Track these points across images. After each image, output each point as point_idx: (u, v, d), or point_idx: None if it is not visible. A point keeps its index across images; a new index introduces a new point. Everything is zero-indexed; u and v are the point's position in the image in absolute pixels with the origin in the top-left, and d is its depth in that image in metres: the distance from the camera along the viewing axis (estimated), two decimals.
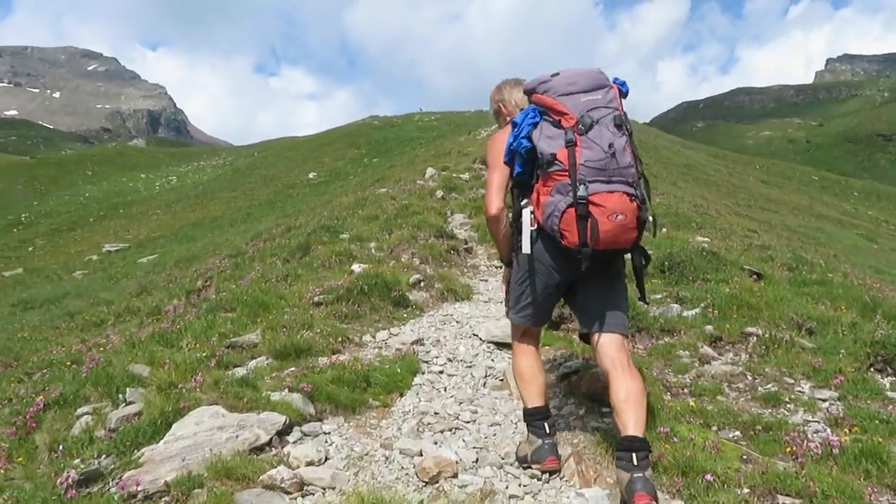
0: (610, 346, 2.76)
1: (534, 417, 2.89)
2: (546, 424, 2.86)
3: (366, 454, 3.05)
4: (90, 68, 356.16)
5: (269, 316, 5.11)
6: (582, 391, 3.58)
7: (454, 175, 14.37)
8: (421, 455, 2.97)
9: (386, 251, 8.10)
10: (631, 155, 2.62)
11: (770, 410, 3.47)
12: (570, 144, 2.57)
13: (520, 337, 3.05)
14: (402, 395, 3.83)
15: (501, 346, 4.64)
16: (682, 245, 6.80)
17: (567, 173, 2.56)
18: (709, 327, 4.59)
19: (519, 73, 3.06)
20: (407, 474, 2.84)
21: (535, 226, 2.71)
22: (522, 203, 2.79)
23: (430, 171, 15.67)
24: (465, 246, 8.33)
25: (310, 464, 2.85)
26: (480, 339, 4.89)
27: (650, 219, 2.68)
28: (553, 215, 2.59)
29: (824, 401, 3.54)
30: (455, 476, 2.78)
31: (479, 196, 11.36)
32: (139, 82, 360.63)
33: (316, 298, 5.53)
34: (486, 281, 7.09)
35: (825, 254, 13.79)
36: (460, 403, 3.69)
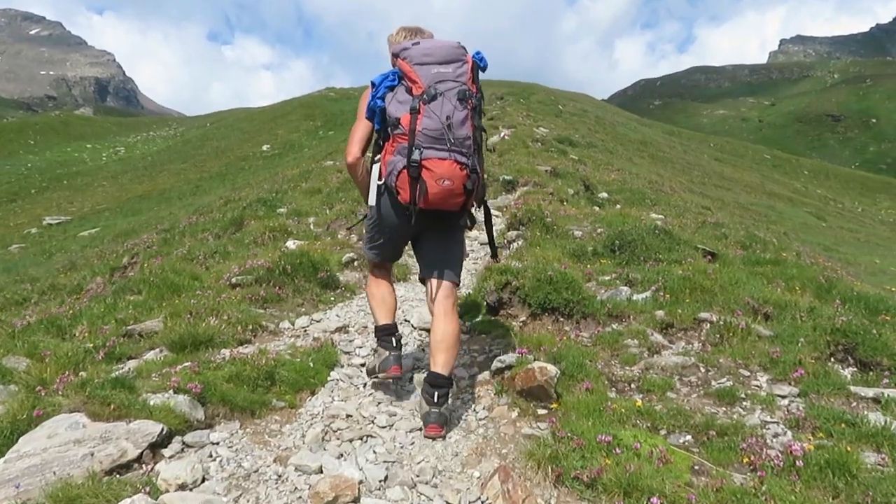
0: (439, 293, 3.10)
1: (383, 333, 3.25)
2: (393, 339, 3.22)
3: (255, 471, 2.55)
4: (32, 32, 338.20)
5: (176, 300, 4.53)
6: (516, 389, 3.13)
7: None
8: (320, 472, 2.50)
9: (324, 227, 7.58)
10: (470, 127, 2.86)
11: (725, 409, 3.10)
12: (414, 112, 2.80)
13: (373, 270, 3.45)
14: (313, 393, 3.33)
15: None
16: (635, 223, 6.42)
17: (407, 137, 2.80)
18: (660, 312, 4.21)
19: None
20: (300, 498, 2.35)
21: (382, 181, 2.95)
22: (376, 158, 3.03)
23: None
24: None
25: (181, 487, 2.35)
26: (412, 325, 4.42)
27: (481, 187, 2.96)
28: (392, 173, 2.86)
29: (784, 397, 3.18)
30: (356, 500, 2.30)
31: None
32: (86, 48, 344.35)
33: (234, 280, 4.97)
34: None
35: (777, 231, 13.76)
36: (378, 403, 3.21)
